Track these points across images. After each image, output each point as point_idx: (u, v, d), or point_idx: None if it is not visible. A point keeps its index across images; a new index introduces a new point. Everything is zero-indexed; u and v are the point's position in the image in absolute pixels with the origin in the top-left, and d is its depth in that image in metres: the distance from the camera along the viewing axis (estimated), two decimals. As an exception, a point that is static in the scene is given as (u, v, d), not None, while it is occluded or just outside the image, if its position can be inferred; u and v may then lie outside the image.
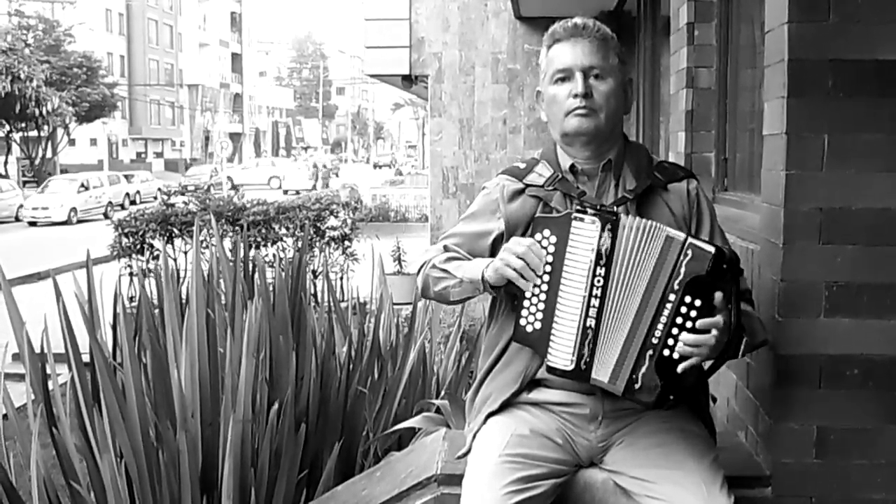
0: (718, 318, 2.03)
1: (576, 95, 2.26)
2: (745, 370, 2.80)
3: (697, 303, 2.04)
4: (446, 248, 2.41)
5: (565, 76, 2.28)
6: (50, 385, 3.34)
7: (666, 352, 2.06)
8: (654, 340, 2.07)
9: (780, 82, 2.44)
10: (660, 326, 2.07)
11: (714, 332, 2.02)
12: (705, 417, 2.35)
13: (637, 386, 2.09)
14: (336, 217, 10.56)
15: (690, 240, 2.07)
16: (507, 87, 8.81)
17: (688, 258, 2.05)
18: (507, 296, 2.27)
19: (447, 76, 8.84)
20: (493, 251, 2.30)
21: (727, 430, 2.97)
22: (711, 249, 2.05)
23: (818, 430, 2.46)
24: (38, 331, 3.34)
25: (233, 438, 3.12)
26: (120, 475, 3.20)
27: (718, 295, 2.03)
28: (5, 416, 3.32)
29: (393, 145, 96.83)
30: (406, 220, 22.95)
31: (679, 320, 2.05)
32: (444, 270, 2.33)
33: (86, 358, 3.29)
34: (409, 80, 9.36)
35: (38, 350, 3.34)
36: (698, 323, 2.03)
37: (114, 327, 3.69)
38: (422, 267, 2.42)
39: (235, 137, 75.18)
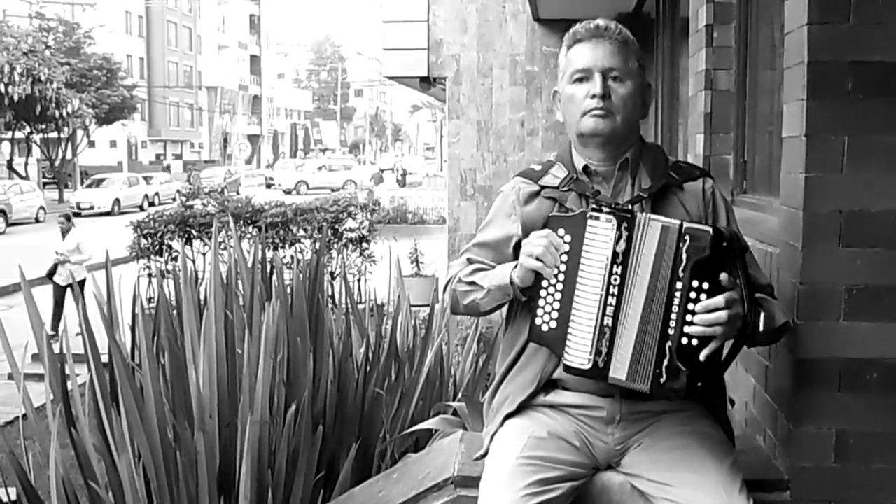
0: (728, 294, 2.03)
1: (593, 96, 2.25)
2: (763, 373, 2.79)
3: (705, 286, 2.05)
4: (469, 261, 2.41)
5: (584, 76, 2.28)
6: (69, 385, 3.36)
7: (684, 340, 2.06)
8: (671, 331, 2.07)
9: (799, 84, 2.43)
10: (673, 317, 2.07)
11: (725, 308, 2.02)
12: (723, 421, 2.34)
13: (663, 380, 2.08)
14: (354, 219, 10.58)
15: (686, 224, 2.08)
16: (525, 89, 8.79)
17: (687, 244, 2.06)
18: (530, 297, 2.27)
19: (465, 78, 8.83)
20: (517, 256, 2.28)
21: (745, 434, 2.95)
22: (709, 229, 2.07)
23: (837, 434, 2.44)
24: (57, 331, 3.35)
25: (250, 439, 3.12)
26: (138, 475, 3.21)
27: (724, 275, 2.04)
28: (25, 416, 3.34)
29: (411, 147, 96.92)
30: (424, 223, 22.93)
31: (691, 306, 2.05)
32: (471, 283, 2.33)
33: (104, 359, 3.31)
34: (426, 82, 9.35)
35: (57, 351, 3.36)
36: (707, 302, 2.04)
37: (132, 328, 3.70)
38: (447, 283, 2.42)
39: (254, 139, 75.36)
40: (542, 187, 2.36)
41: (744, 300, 2.06)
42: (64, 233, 12.10)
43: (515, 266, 2.20)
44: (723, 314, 2.02)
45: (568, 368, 2.16)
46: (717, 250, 2.05)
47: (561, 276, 2.14)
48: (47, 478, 3.18)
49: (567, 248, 2.13)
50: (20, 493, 3.19)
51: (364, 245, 10.53)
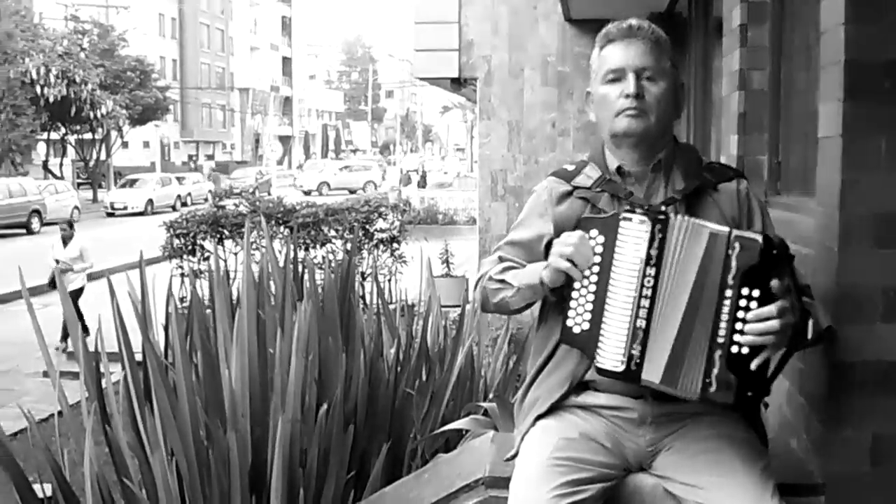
0: (780, 303, 2.01)
1: (627, 96, 2.24)
2: (797, 376, 2.76)
3: (756, 293, 2.03)
4: (501, 259, 2.41)
5: (617, 76, 2.27)
6: (103, 383, 3.39)
7: (734, 348, 2.04)
8: (721, 339, 2.05)
9: (835, 84, 2.40)
10: (723, 325, 2.05)
11: (777, 317, 2.00)
12: (756, 423, 2.32)
13: (713, 389, 2.06)
14: (384, 219, 10.60)
15: (735, 232, 2.07)
16: (556, 90, 8.76)
17: (736, 251, 2.04)
18: (559, 297, 2.26)
19: (496, 79, 8.82)
20: (548, 255, 2.28)
21: (778, 437, 2.92)
22: (759, 238, 2.05)
23: (874, 437, 2.41)
24: (92, 330, 3.38)
25: (282, 438, 3.14)
26: (171, 473, 3.24)
27: (775, 282, 2.01)
28: (60, 413, 3.37)
29: (441, 148, 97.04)
30: (454, 223, 22.94)
31: (741, 314, 2.03)
32: (501, 281, 2.33)
33: (138, 357, 3.34)
34: (457, 83, 9.34)
35: (92, 349, 3.39)
36: (759, 310, 2.01)
37: (166, 327, 3.73)
38: (478, 281, 2.42)
39: (285, 140, 75.87)
40: (575, 187, 2.35)
41: (794, 308, 2.04)
42: (65, 240, 11.71)
43: (546, 266, 2.20)
44: (775, 323, 2.00)
45: (601, 371, 2.15)
46: (767, 258, 2.03)
47: (593, 278, 2.13)
48: (82, 474, 3.22)
49: (599, 249, 2.13)
50: (55, 489, 3.23)
51: (395, 245, 10.54)
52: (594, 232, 2.14)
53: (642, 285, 2.09)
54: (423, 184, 40.03)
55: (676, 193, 2.27)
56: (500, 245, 2.47)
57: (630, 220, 2.11)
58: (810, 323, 2.12)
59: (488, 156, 8.84)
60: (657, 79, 2.26)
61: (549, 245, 2.28)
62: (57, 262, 11.34)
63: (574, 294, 2.16)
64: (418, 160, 62.54)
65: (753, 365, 2.03)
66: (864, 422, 2.41)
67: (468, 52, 8.85)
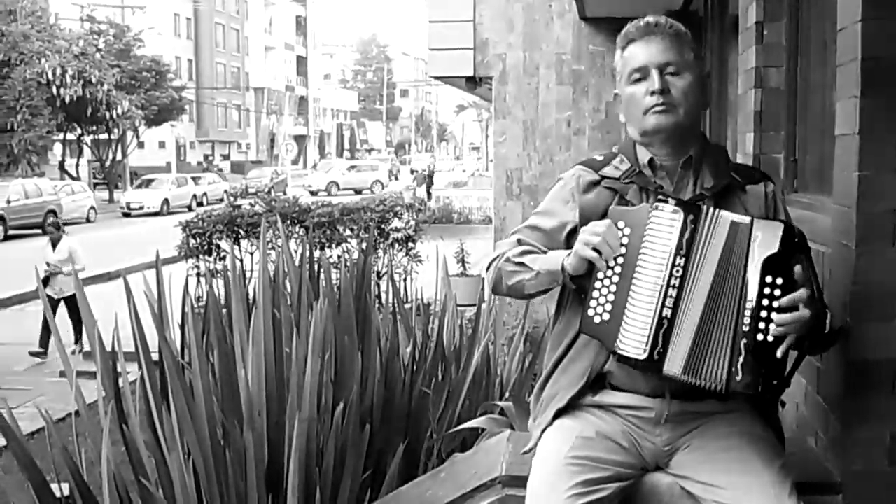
0: (803, 291, 2.03)
1: (653, 93, 2.24)
2: (814, 374, 2.75)
3: (779, 281, 2.04)
4: (520, 242, 2.40)
5: (642, 75, 2.27)
6: (120, 383, 3.40)
7: (759, 336, 2.05)
8: (745, 328, 2.06)
9: (852, 81, 2.39)
10: (747, 313, 2.06)
11: (802, 305, 2.02)
12: (774, 422, 2.32)
13: (738, 378, 2.06)
14: (400, 218, 10.62)
15: (757, 220, 2.09)
16: (571, 89, 8.74)
17: (758, 239, 2.06)
18: (579, 288, 2.25)
19: (511, 78, 8.80)
20: (569, 244, 2.27)
21: (796, 436, 2.91)
22: (780, 226, 2.07)
23: (891, 436, 2.40)
24: (109, 330, 3.40)
25: (298, 437, 3.14)
26: (188, 472, 3.25)
27: (798, 268, 2.03)
28: (77, 413, 3.39)
29: (457, 147, 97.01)
30: (469, 222, 22.93)
31: (765, 302, 2.05)
32: (520, 264, 2.32)
33: (155, 357, 3.35)
34: (472, 82, 9.33)
35: (109, 348, 3.41)
36: (784, 299, 2.03)
37: (182, 327, 3.75)
38: (493, 261, 2.41)
39: (300, 140, 75.88)
40: (603, 177, 2.35)
41: (815, 297, 2.05)
42: (54, 242, 11.17)
43: (569, 253, 2.20)
44: (805, 311, 2.02)
45: (623, 359, 2.14)
46: (788, 246, 2.05)
47: (618, 269, 2.13)
48: (99, 474, 3.23)
49: (626, 241, 2.13)
50: (73, 489, 3.25)
51: (410, 245, 10.56)
52: (622, 223, 2.15)
53: (671, 275, 2.10)
54: (430, 184, 38.49)
55: (706, 191, 2.27)
56: (519, 228, 2.45)
57: (662, 209, 2.12)
58: (828, 315, 2.13)
59: (503, 154, 8.83)
60: (681, 72, 2.26)
61: (571, 233, 2.28)
62: (48, 264, 10.84)
63: (597, 284, 2.16)
64: (428, 160, 61.97)
65: (779, 353, 2.03)
66: (882, 421, 2.40)
67: (483, 51, 8.84)
